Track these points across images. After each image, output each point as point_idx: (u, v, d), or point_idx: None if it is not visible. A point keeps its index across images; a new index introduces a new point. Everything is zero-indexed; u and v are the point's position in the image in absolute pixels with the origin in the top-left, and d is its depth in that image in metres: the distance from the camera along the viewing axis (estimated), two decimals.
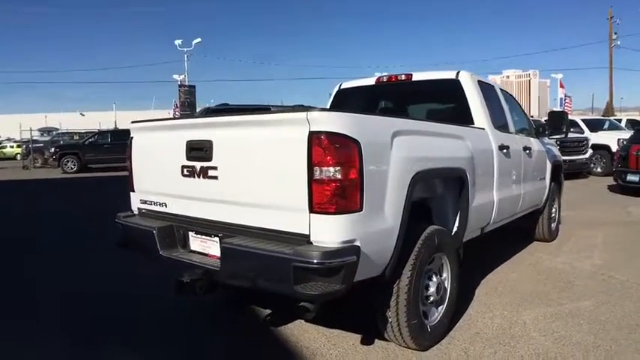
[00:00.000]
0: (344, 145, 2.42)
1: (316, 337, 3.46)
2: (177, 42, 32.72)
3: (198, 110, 11.15)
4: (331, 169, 2.39)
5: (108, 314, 3.98)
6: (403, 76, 4.75)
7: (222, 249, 2.69)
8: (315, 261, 2.34)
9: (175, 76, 33.33)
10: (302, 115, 2.44)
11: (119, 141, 19.00)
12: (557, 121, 5.45)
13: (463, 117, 4.18)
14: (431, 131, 3.31)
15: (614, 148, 13.08)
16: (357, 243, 2.48)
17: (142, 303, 4.25)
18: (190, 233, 3.13)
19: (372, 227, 2.59)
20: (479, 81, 4.44)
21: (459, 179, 3.52)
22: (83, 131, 30.97)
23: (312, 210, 2.44)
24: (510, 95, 5.51)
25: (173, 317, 3.94)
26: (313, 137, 2.40)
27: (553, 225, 6.33)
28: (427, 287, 3.24)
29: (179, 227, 3.18)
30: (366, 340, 3.38)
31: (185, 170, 3.02)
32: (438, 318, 3.33)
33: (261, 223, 2.68)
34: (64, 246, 6.64)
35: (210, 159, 2.86)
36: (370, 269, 2.67)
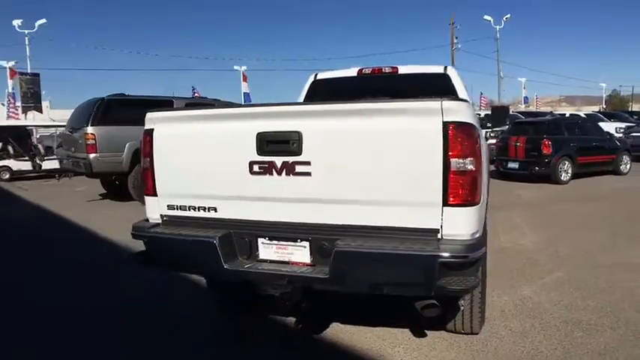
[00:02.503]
0: (473, 136, 2.35)
1: (370, 338, 3.33)
2: (17, 22, 27.48)
3: (85, 102, 9.53)
4: (466, 160, 2.31)
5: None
6: (388, 68, 4.78)
7: (338, 254, 2.38)
8: (464, 255, 2.27)
9: (4, 63, 28.00)
10: (436, 104, 2.30)
11: None
12: (500, 115, 6.05)
13: None
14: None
15: None
16: (480, 234, 2.45)
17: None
18: (260, 240, 2.70)
19: (483, 217, 2.59)
20: None
21: None
22: None
23: (445, 203, 2.32)
24: None
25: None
26: (449, 128, 2.28)
27: None
28: None
29: (241, 234, 2.73)
30: (419, 333, 3.36)
31: (256, 167, 2.59)
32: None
33: (374, 222, 2.45)
34: None
35: (299, 153, 2.50)
36: None
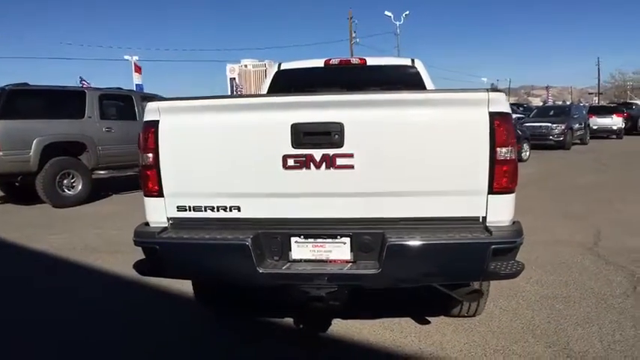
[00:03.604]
0: (512, 126, 2.44)
1: (377, 330, 3.33)
2: None
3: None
4: (508, 148, 2.38)
5: None
6: (357, 59, 4.77)
7: (392, 247, 2.31)
8: (512, 240, 2.36)
9: None
10: (483, 95, 2.34)
11: None
12: None
13: None
14: None
15: None
16: (514, 220, 2.55)
17: None
18: (293, 239, 2.53)
19: None
20: None
21: None
22: None
23: (490, 191, 2.39)
24: None
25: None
26: (495, 118, 2.34)
27: None
28: None
29: (271, 234, 2.53)
30: (422, 321, 3.43)
31: (290, 161, 2.42)
32: None
33: (419, 213, 2.44)
34: None
35: (340, 145, 2.38)
36: None
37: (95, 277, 4.70)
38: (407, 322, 3.43)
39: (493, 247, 2.31)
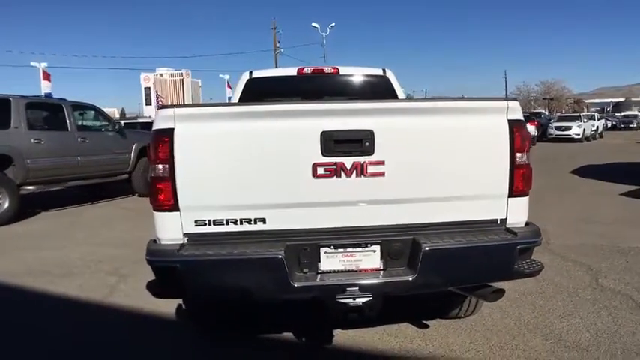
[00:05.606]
0: (527, 132, 2.59)
1: (382, 337, 3.34)
2: None
3: None
4: (524, 153, 2.52)
5: None
6: (330, 68, 4.79)
7: (428, 253, 2.33)
8: (534, 240, 2.50)
9: None
10: (503, 104, 2.47)
11: None
12: None
13: None
14: None
15: None
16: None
17: None
18: (323, 249, 2.46)
19: None
20: None
21: None
22: None
23: (511, 194, 2.51)
24: None
25: None
26: (513, 125, 2.47)
27: None
28: None
29: (300, 246, 2.45)
30: (420, 325, 3.50)
31: (321, 169, 2.37)
32: None
33: (446, 218, 2.50)
34: None
35: (371, 152, 2.37)
36: None
37: (54, 305, 4.23)
38: (407, 327, 3.47)
39: (518, 247, 2.43)
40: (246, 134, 2.38)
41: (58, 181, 8.59)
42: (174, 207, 2.41)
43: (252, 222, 2.44)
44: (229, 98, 30.07)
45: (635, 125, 41.56)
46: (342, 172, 2.38)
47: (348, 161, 2.37)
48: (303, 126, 2.37)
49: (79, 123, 9.34)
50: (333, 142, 2.36)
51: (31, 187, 8.06)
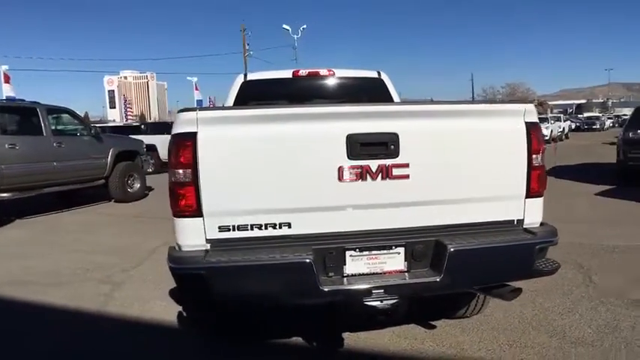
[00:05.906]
0: (542, 134, 2.67)
1: (392, 339, 3.36)
2: None
3: None
4: (539, 155, 2.60)
5: None
6: (325, 71, 4.80)
7: (454, 254, 2.36)
8: (551, 239, 2.58)
9: None
10: (520, 107, 2.55)
11: None
12: None
13: None
14: None
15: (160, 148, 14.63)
16: None
17: None
18: (348, 253, 2.46)
19: None
20: None
21: None
22: None
23: (528, 195, 2.58)
24: None
25: None
26: (530, 127, 2.54)
27: None
28: None
29: (326, 250, 2.44)
30: (428, 326, 3.54)
31: (346, 173, 2.37)
32: None
33: (469, 219, 2.55)
34: None
35: (396, 155, 2.39)
36: None
37: (48, 316, 4.06)
38: (414, 329, 3.50)
39: (537, 246, 2.50)
40: (271, 137, 2.36)
41: (34, 187, 8.26)
42: (197, 212, 2.36)
43: (277, 226, 2.41)
44: (198, 101, 29.53)
45: (598, 126, 43.52)
46: (368, 175, 2.38)
47: (373, 164, 2.38)
48: (329, 129, 2.37)
49: (54, 127, 9.03)
50: (359, 145, 2.36)
51: (5, 195, 7.72)
